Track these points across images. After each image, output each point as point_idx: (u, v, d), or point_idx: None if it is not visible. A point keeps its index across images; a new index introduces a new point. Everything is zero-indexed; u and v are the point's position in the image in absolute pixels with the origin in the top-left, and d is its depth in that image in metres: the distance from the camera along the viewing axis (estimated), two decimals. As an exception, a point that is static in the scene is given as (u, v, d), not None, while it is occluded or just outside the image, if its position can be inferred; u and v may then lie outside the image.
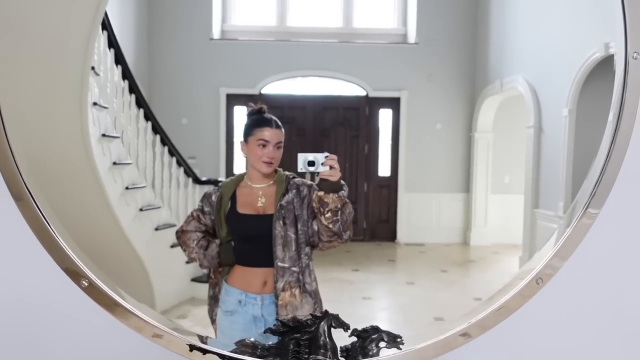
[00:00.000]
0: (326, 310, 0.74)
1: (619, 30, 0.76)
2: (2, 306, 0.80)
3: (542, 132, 2.99)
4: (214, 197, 1.35)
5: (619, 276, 0.82)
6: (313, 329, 0.73)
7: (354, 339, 0.73)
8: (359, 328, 0.72)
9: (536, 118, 3.02)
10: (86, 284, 0.77)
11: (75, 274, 0.76)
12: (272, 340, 0.78)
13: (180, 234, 1.38)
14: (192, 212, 1.39)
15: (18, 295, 0.80)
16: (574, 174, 2.40)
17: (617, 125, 0.78)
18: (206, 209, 1.35)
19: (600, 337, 0.85)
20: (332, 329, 0.73)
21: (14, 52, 0.86)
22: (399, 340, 0.71)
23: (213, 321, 1.35)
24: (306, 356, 0.67)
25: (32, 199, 0.76)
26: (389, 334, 0.71)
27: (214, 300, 1.37)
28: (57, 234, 0.77)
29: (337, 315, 0.72)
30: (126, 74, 2.43)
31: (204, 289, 2.46)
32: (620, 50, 0.78)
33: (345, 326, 0.72)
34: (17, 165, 0.77)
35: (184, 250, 1.39)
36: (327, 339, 0.72)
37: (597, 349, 0.84)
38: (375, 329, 0.71)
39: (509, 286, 0.81)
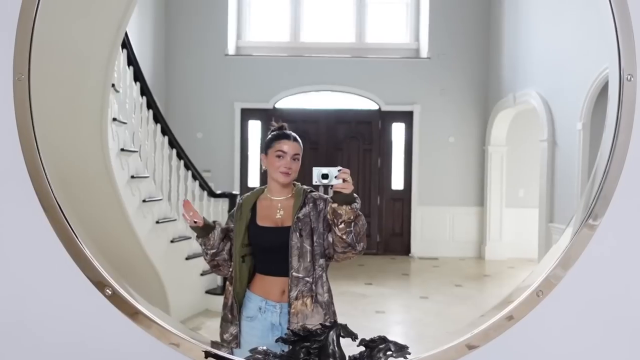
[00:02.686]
0: (335, 320, 0.76)
1: (614, 53, 0.79)
2: (30, 312, 0.84)
3: (556, 145, 2.96)
4: (234, 212, 1.39)
5: (620, 285, 0.84)
6: (322, 338, 0.76)
7: (362, 348, 0.75)
8: (367, 338, 0.74)
9: (550, 132, 3.00)
10: (110, 293, 0.80)
11: (99, 283, 0.80)
12: (285, 348, 0.80)
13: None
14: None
15: (45, 302, 0.84)
16: (589, 187, 2.37)
17: (613, 143, 0.80)
18: (232, 225, 1.39)
19: (603, 345, 0.86)
20: (341, 338, 0.75)
21: (43, 70, 0.92)
22: (405, 349, 0.73)
23: (227, 344, 1.35)
24: (317, 365, 0.70)
25: (60, 211, 0.80)
26: (396, 344, 0.73)
27: (224, 322, 1.38)
28: (82, 244, 0.80)
29: (346, 325, 0.74)
30: (144, 91, 2.50)
31: (218, 301, 2.47)
32: (614, 72, 0.81)
33: (353, 336, 0.74)
34: (47, 178, 0.82)
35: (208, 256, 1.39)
36: (336, 348, 0.75)
37: (601, 357, 0.86)
38: (383, 339, 0.74)
39: (511, 297, 0.83)
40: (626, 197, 0.82)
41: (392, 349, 0.72)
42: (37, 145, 0.82)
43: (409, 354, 0.72)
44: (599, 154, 0.79)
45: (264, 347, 0.74)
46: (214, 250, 1.33)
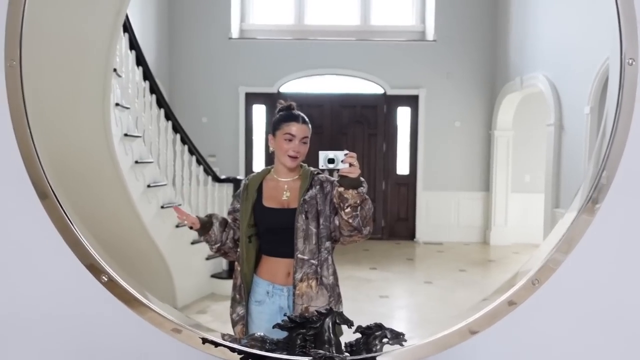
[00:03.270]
0: (331, 308, 0.77)
1: (615, 36, 0.77)
2: (26, 299, 0.85)
3: (562, 130, 2.92)
4: (240, 194, 1.39)
5: (618, 270, 0.84)
6: (318, 325, 0.76)
7: (359, 335, 0.76)
8: (364, 325, 0.74)
9: (557, 116, 2.96)
10: (106, 279, 0.81)
11: (95, 270, 0.81)
12: (283, 334, 0.81)
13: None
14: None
15: (41, 289, 0.85)
16: (595, 172, 2.34)
17: (614, 127, 0.79)
18: (237, 206, 1.39)
19: (601, 332, 0.87)
20: (337, 325, 0.76)
21: (39, 55, 0.91)
22: (401, 337, 0.73)
23: (234, 323, 1.36)
24: (311, 351, 0.70)
25: (55, 199, 0.81)
26: (392, 331, 0.73)
27: (234, 302, 1.39)
28: (78, 231, 0.81)
29: (342, 312, 0.74)
30: (147, 75, 2.49)
31: (223, 285, 2.50)
32: (615, 56, 0.79)
33: (349, 323, 0.74)
34: (42, 166, 0.82)
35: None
36: (332, 335, 0.75)
37: (599, 344, 0.86)
38: (379, 326, 0.74)
39: (513, 281, 0.83)
40: (626, 182, 0.81)
41: (388, 336, 0.73)
42: (31, 133, 0.82)
43: (405, 341, 0.72)
44: (599, 138, 0.78)
45: (261, 334, 0.75)
46: (218, 245, 1.34)
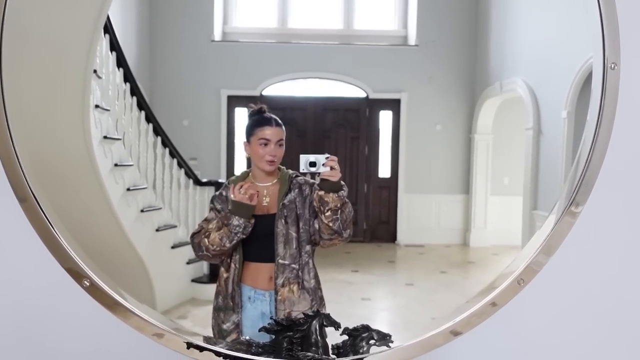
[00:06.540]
0: (318, 310, 0.77)
1: (598, 41, 0.79)
2: (7, 305, 0.82)
3: (541, 134, 2.99)
4: (224, 193, 1.37)
5: (601, 272, 0.86)
6: (305, 327, 0.76)
7: (346, 337, 0.75)
8: (350, 327, 0.74)
9: (535, 120, 3.03)
10: (88, 284, 0.79)
11: (77, 274, 0.79)
12: (268, 338, 0.80)
13: (196, 234, 1.33)
14: (205, 217, 1.37)
15: (22, 295, 0.82)
16: (572, 175, 2.39)
17: (596, 131, 0.81)
18: (218, 206, 1.37)
19: (584, 332, 0.88)
20: (324, 327, 0.76)
21: (18, 55, 0.89)
22: (388, 338, 0.73)
23: (227, 333, 1.31)
24: (299, 354, 0.69)
25: (35, 201, 0.79)
26: (378, 332, 0.73)
27: (216, 312, 1.35)
28: (59, 235, 0.79)
29: (329, 314, 0.74)
30: (128, 77, 2.46)
31: (204, 290, 2.47)
32: (598, 60, 0.81)
33: (336, 325, 0.74)
34: (21, 168, 0.80)
35: (200, 247, 1.32)
36: (319, 337, 0.75)
37: (581, 344, 0.88)
38: (366, 328, 0.74)
39: (495, 283, 0.84)
40: (608, 185, 0.84)
41: (375, 338, 0.73)
42: (10, 134, 0.80)
43: (392, 342, 0.72)
44: (582, 142, 0.80)
45: (247, 337, 0.74)
46: (244, 237, 1.28)
